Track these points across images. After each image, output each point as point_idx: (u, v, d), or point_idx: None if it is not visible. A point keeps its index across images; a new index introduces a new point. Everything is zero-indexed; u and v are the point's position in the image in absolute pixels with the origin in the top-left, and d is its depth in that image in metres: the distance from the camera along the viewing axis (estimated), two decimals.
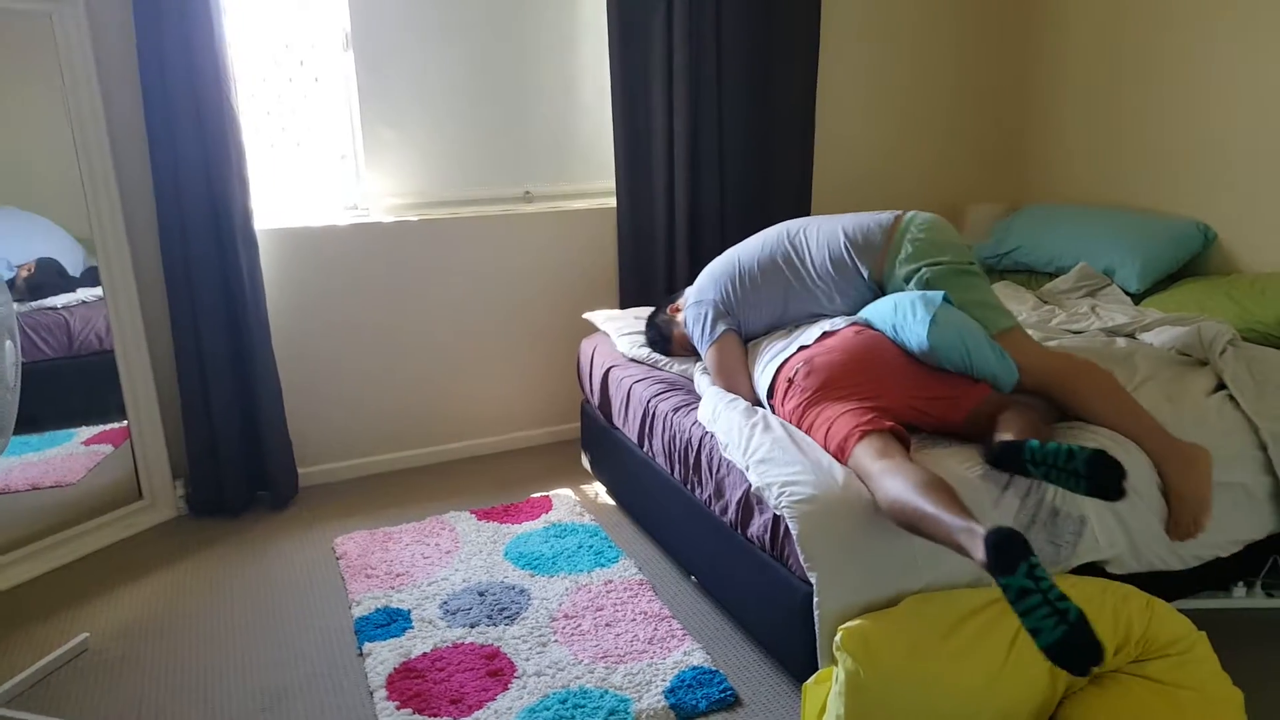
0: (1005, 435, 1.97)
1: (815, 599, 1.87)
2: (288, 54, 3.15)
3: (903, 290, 2.38)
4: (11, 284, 2.68)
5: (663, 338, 2.91)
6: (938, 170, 4.17)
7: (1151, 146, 3.50)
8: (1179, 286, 3.16)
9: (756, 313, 2.61)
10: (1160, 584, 2.17)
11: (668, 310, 2.92)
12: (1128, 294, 3.23)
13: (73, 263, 2.83)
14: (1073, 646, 1.44)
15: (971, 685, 1.75)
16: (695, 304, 2.69)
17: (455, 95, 3.37)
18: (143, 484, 3.05)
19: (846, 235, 2.49)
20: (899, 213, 2.50)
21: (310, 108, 3.22)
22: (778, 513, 1.97)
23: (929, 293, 2.24)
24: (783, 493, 1.95)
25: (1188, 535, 2.12)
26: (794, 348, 2.34)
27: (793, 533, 1.90)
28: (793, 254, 2.56)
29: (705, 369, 2.73)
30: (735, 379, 2.53)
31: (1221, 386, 2.39)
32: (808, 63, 3.63)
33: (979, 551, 1.57)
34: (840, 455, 2.04)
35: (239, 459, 3.09)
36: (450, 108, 3.38)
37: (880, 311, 2.33)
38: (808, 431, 2.17)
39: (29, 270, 2.73)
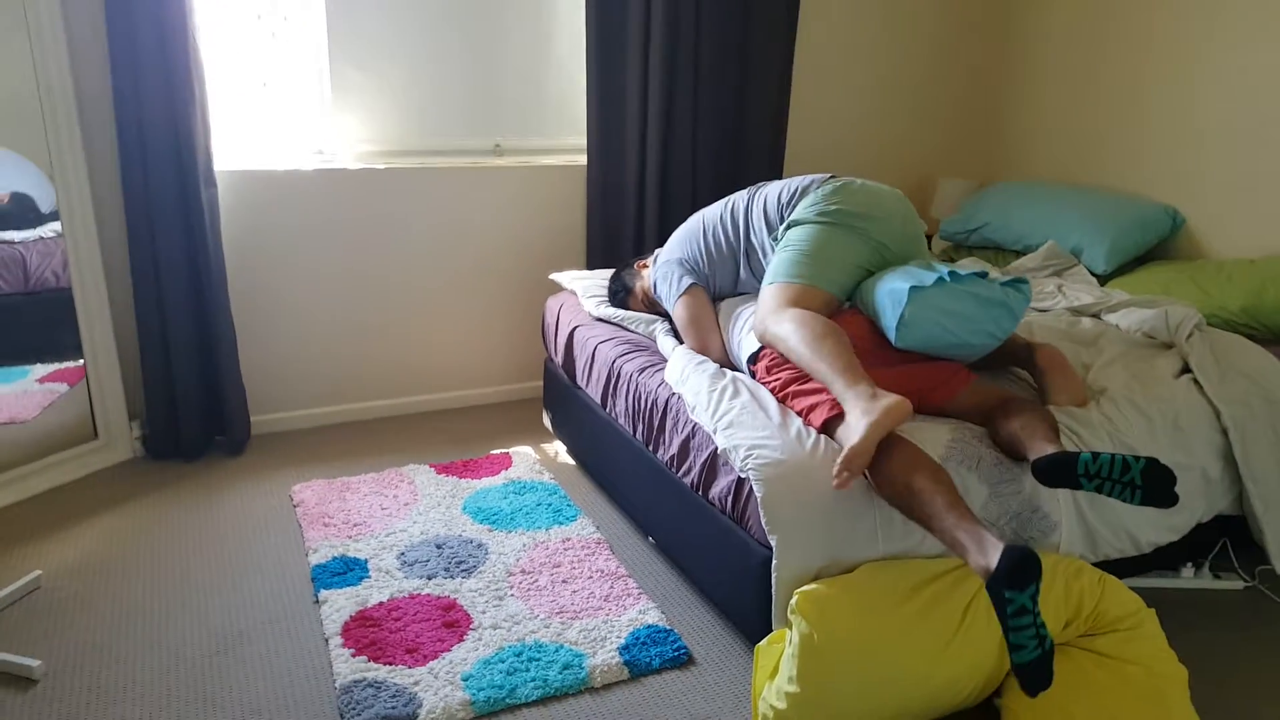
0: (1038, 444, 1.89)
1: (774, 562, 1.88)
2: None
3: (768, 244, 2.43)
4: None
5: (624, 289, 2.90)
6: (910, 142, 4.16)
7: (1125, 129, 3.52)
8: (1145, 269, 3.20)
9: (723, 270, 2.61)
10: (1112, 561, 2.21)
11: (635, 266, 2.91)
12: (1094, 275, 3.26)
13: (43, 199, 2.74)
14: (1041, 669, 1.57)
15: (923, 652, 1.77)
16: (664, 263, 2.69)
17: (427, 42, 3.29)
18: (98, 424, 2.99)
19: (779, 198, 2.48)
20: (827, 176, 2.45)
21: (279, 47, 3.13)
22: (743, 475, 1.98)
23: (896, 287, 2.14)
24: (749, 455, 1.95)
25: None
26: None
27: (757, 495, 1.91)
28: (744, 214, 2.56)
29: (669, 330, 2.72)
30: (705, 333, 2.52)
31: (1187, 370, 2.42)
32: (786, 26, 3.59)
33: (987, 558, 1.62)
34: (828, 432, 2.00)
35: (196, 402, 3.04)
36: (422, 54, 3.30)
37: (866, 297, 2.27)
38: (790, 403, 2.13)
39: (3, 199, 2.65)
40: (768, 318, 2.20)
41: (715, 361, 2.46)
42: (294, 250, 3.21)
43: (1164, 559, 2.36)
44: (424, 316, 3.48)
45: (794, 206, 2.42)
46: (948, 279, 2.12)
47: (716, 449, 2.11)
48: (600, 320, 2.95)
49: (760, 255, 2.53)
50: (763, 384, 2.23)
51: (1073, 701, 1.78)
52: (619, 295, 2.93)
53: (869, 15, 3.88)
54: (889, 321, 2.16)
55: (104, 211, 2.91)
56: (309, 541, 2.54)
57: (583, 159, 3.58)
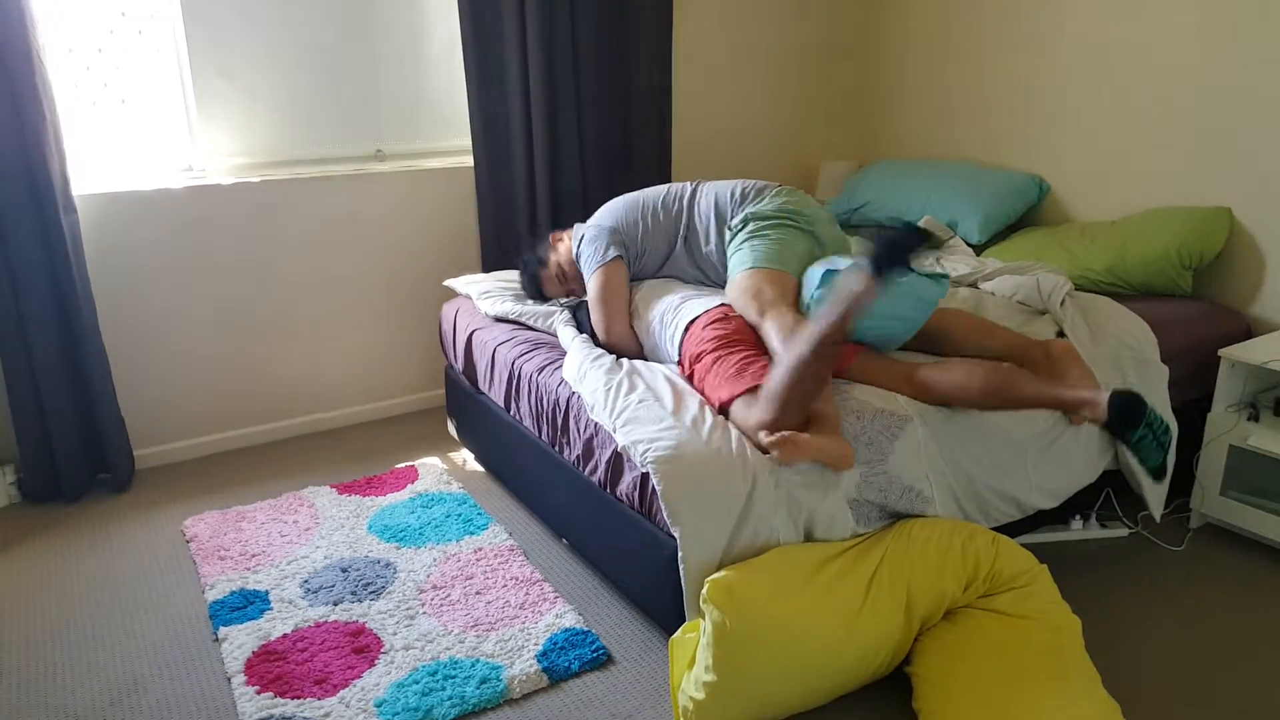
0: (1081, 382, 2.25)
1: (680, 553, 1.89)
2: (108, 5, 2.88)
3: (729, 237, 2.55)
4: None
5: (539, 261, 2.87)
6: (791, 129, 4.23)
7: (989, 103, 3.66)
8: (1017, 236, 3.33)
9: (655, 246, 2.66)
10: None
11: (549, 238, 2.91)
12: (970, 245, 3.38)
13: None
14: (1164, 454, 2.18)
15: (833, 629, 1.81)
16: (595, 227, 2.69)
17: (296, 47, 3.17)
18: None
19: (732, 192, 2.60)
20: (776, 185, 2.62)
21: (135, 62, 2.97)
22: (643, 469, 1.98)
23: (815, 271, 2.32)
24: (647, 450, 1.96)
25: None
26: (716, 302, 2.39)
27: (656, 489, 1.91)
28: (689, 200, 2.67)
29: (569, 320, 2.69)
30: (614, 311, 2.54)
31: (1061, 335, 2.53)
32: (662, 18, 3.60)
33: (1097, 411, 2.11)
34: (724, 412, 2.10)
35: (73, 441, 2.87)
36: (291, 60, 3.18)
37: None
38: (706, 367, 2.19)
39: None
40: (775, 305, 2.26)
41: (615, 342, 2.53)
42: (168, 272, 3.06)
43: (1054, 513, 2.47)
44: (314, 332, 3.37)
45: (747, 204, 2.55)
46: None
47: (618, 446, 2.11)
48: (498, 320, 2.91)
49: (701, 239, 2.62)
50: (691, 343, 2.28)
51: (975, 660, 1.85)
52: (531, 268, 2.89)
53: (741, 9, 3.92)
54: (805, 297, 2.31)
55: None
56: (205, 577, 2.43)
57: (469, 160, 3.52)
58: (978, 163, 3.72)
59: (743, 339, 2.23)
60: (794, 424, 1.96)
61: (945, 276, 2.30)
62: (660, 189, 2.74)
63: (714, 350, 2.20)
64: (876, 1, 4.07)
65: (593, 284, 2.60)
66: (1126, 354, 2.46)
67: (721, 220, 2.59)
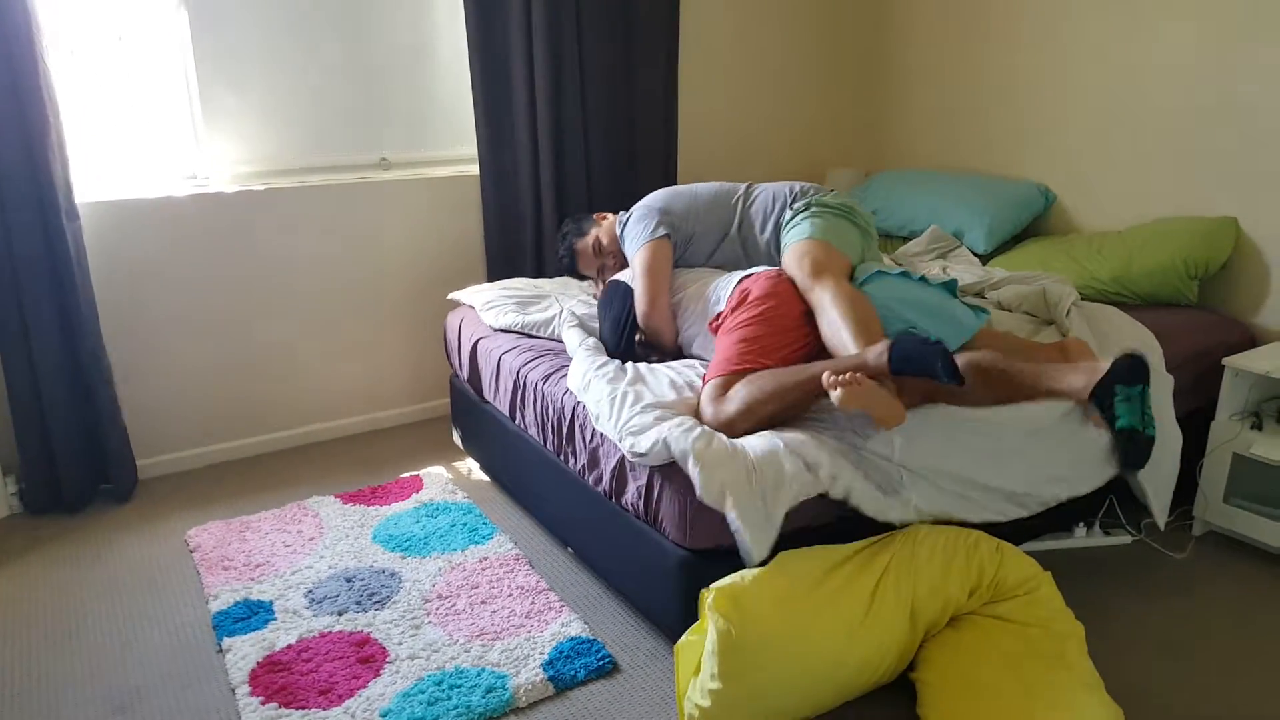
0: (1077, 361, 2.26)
1: (737, 527, 1.86)
2: (116, 10, 2.89)
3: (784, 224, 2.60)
4: None
5: (577, 232, 2.94)
6: (797, 139, 4.25)
7: (997, 114, 3.66)
8: (1023, 246, 3.33)
9: (707, 234, 2.69)
10: (1008, 527, 2.29)
11: (594, 215, 2.96)
12: (976, 254, 3.38)
13: None
14: (1136, 440, 2.09)
15: (837, 636, 1.81)
16: (645, 207, 2.73)
17: (301, 55, 3.19)
18: None
19: (791, 188, 2.65)
20: (829, 188, 2.72)
21: (143, 69, 2.98)
22: (680, 465, 1.96)
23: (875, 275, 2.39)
24: (676, 440, 1.95)
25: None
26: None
27: (697, 480, 1.88)
28: (743, 197, 2.71)
29: (576, 324, 2.67)
30: (658, 287, 2.56)
31: None
32: (668, 28, 3.61)
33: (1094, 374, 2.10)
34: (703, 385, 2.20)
35: (75, 450, 2.87)
36: (297, 68, 3.19)
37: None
38: (727, 340, 2.23)
39: None
40: (828, 272, 2.29)
41: (656, 323, 2.55)
42: (172, 281, 3.06)
43: (1058, 520, 2.46)
44: (318, 340, 3.37)
45: (808, 195, 2.61)
46: (912, 276, 2.36)
47: (624, 454, 2.10)
48: (500, 331, 2.91)
49: (756, 228, 2.65)
50: (725, 314, 2.34)
51: (980, 666, 1.85)
52: (569, 237, 2.95)
53: (749, 18, 3.93)
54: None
55: None
56: (208, 587, 2.43)
57: (475, 169, 3.53)
58: (984, 173, 3.72)
59: (770, 327, 2.24)
60: (746, 431, 2.04)
61: (984, 311, 2.35)
62: (714, 184, 2.79)
63: (745, 322, 2.25)
64: (883, 13, 4.08)
65: (640, 258, 2.60)
66: None
67: (781, 208, 2.62)
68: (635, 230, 2.68)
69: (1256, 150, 2.87)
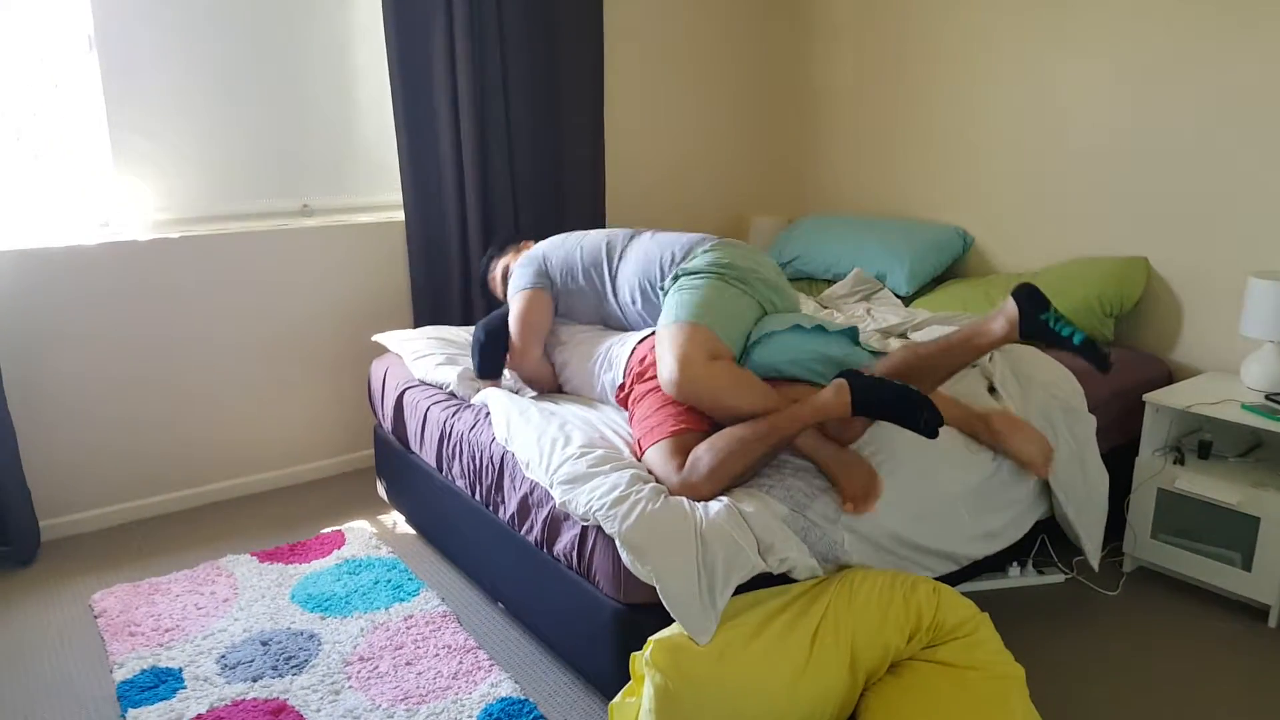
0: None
1: (664, 600, 1.79)
2: (22, 56, 2.78)
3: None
4: None
5: (499, 254, 2.96)
6: (723, 184, 4.29)
7: (915, 160, 3.76)
8: (943, 288, 3.40)
9: (582, 297, 2.64)
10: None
11: (520, 243, 2.95)
12: (899, 296, 3.44)
13: None
14: (1094, 345, 2.14)
15: (778, 685, 1.76)
16: (532, 256, 2.71)
17: (218, 99, 3.10)
18: None
19: (661, 257, 2.47)
20: (717, 238, 2.48)
21: (51, 115, 2.86)
22: (588, 525, 1.91)
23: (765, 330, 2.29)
24: (601, 512, 1.89)
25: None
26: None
27: (622, 555, 1.83)
28: (619, 251, 2.59)
29: (475, 379, 2.67)
30: (531, 338, 2.56)
31: (992, 388, 2.54)
32: (593, 75, 3.63)
33: (1009, 310, 2.18)
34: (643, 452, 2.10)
35: None
36: (213, 113, 3.10)
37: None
38: (648, 411, 2.16)
39: None
40: (697, 361, 2.11)
41: (524, 371, 2.57)
42: (80, 332, 2.92)
43: (991, 561, 2.47)
44: (236, 392, 3.24)
45: (676, 264, 2.42)
46: (806, 328, 2.26)
47: (555, 503, 2.05)
48: (425, 384, 2.83)
49: (627, 300, 2.53)
50: (636, 361, 2.31)
51: (920, 713, 1.81)
52: (487, 261, 3.00)
53: (672, 62, 3.98)
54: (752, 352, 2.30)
55: None
56: (113, 655, 2.27)
57: (400, 215, 3.47)
58: (905, 217, 3.80)
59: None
60: (713, 494, 1.96)
61: (875, 353, 2.37)
62: (601, 236, 2.64)
63: (658, 387, 2.19)
64: (800, 63, 4.17)
65: (514, 304, 2.63)
66: (1054, 403, 2.49)
67: (653, 285, 2.48)
68: (516, 275, 2.69)
69: (1164, 190, 2.98)
